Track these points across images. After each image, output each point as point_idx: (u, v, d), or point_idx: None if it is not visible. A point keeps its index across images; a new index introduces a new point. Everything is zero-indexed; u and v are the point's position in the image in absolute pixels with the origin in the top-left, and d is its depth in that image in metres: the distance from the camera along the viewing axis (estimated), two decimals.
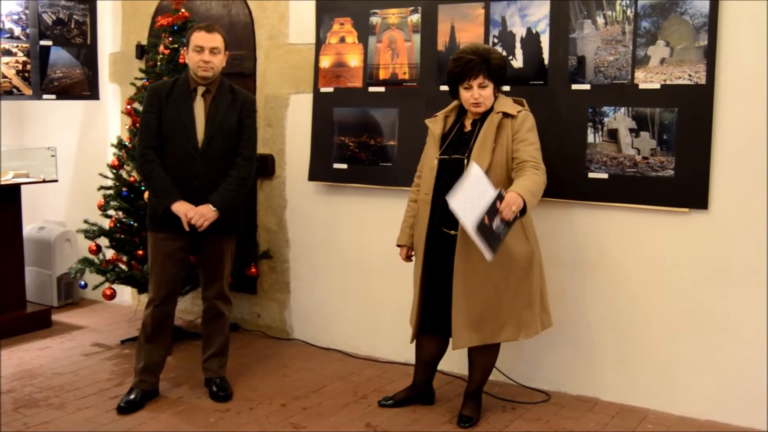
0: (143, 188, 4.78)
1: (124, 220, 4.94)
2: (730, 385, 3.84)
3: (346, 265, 4.97)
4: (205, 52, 3.93)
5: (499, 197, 3.36)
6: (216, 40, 3.97)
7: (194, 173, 3.96)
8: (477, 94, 3.68)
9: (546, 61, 4.15)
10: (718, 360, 3.86)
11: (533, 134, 3.69)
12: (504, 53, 4.12)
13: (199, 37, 3.95)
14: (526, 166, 3.58)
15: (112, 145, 5.19)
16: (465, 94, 3.73)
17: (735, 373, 3.82)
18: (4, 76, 5.30)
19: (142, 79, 5.06)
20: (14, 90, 5.35)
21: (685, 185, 3.83)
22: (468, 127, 3.81)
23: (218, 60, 3.98)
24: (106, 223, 4.99)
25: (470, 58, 3.67)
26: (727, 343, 3.84)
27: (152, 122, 4.00)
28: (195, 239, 4.01)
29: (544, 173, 3.63)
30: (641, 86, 3.91)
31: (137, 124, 4.77)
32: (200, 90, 4.02)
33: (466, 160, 3.67)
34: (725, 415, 3.85)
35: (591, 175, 4.05)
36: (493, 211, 3.34)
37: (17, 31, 5.35)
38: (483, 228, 3.33)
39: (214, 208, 3.93)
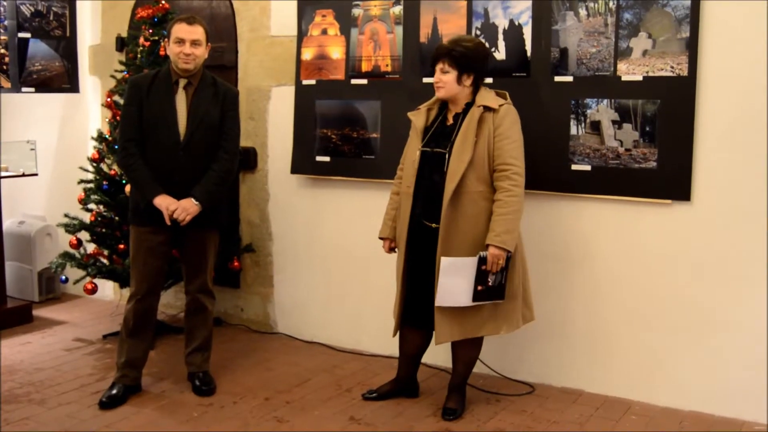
0: (124, 182, 4.74)
1: (104, 213, 4.90)
2: (713, 376, 3.85)
3: (329, 259, 4.95)
4: (185, 45, 3.88)
5: (482, 261, 3.59)
6: (197, 32, 3.93)
7: (176, 166, 3.93)
8: (437, 77, 3.75)
9: (528, 53, 4.14)
10: (702, 351, 3.88)
11: (515, 130, 3.69)
12: (487, 45, 4.10)
13: (179, 29, 3.91)
14: (501, 178, 3.63)
15: (93, 138, 5.15)
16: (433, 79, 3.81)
17: (719, 364, 3.84)
18: None
19: (122, 71, 5.01)
20: None
21: (668, 177, 3.84)
22: (450, 120, 3.81)
23: (200, 52, 3.94)
24: (87, 217, 4.95)
25: (441, 45, 3.82)
26: (710, 334, 3.85)
27: (133, 115, 3.96)
28: (177, 233, 3.98)
29: (522, 179, 3.65)
30: (624, 78, 3.91)
31: (118, 117, 4.73)
32: (182, 83, 3.98)
33: (447, 155, 3.68)
34: (709, 405, 3.87)
35: (574, 167, 4.05)
36: (481, 276, 3.61)
37: None
38: (481, 294, 3.64)
39: (196, 202, 3.89)
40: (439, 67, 3.73)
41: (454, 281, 3.63)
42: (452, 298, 3.65)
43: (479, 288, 3.63)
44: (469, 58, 3.72)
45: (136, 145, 3.95)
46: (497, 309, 3.72)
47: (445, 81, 3.73)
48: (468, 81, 3.75)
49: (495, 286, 3.65)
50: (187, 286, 4.19)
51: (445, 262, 3.61)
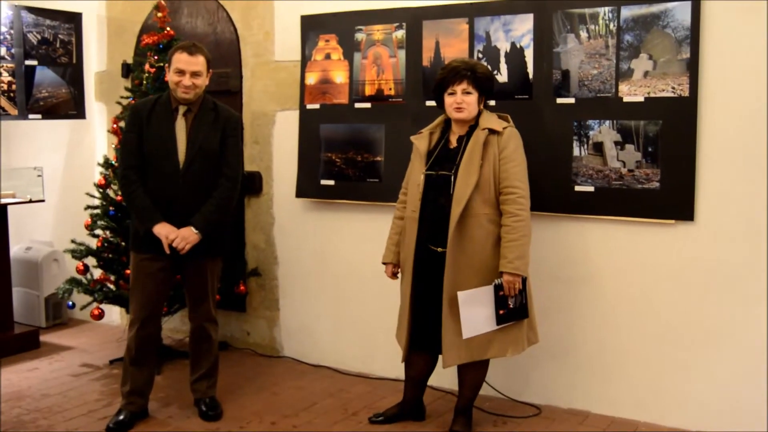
0: None
1: (111, 239, 4.92)
2: (720, 396, 3.84)
3: (335, 282, 4.96)
4: (185, 76, 3.86)
5: (498, 288, 3.65)
6: (198, 62, 3.89)
7: (175, 194, 3.90)
8: (460, 98, 3.71)
9: (530, 76, 4.17)
10: (708, 371, 3.87)
11: (519, 153, 3.70)
12: (489, 68, 4.12)
13: (180, 60, 3.87)
14: (508, 201, 3.64)
15: (99, 164, 5.18)
16: (448, 100, 3.76)
17: (725, 383, 3.83)
18: None
19: (128, 97, 5.05)
20: (0, 110, 5.33)
21: (671, 197, 3.85)
22: (453, 144, 3.82)
23: (200, 82, 3.91)
24: (94, 243, 4.97)
25: (457, 65, 3.76)
26: (717, 353, 3.84)
27: (133, 142, 3.94)
28: (178, 260, 3.95)
29: (527, 202, 3.67)
30: (625, 99, 3.93)
31: None
32: (182, 109, 3.95)
33: (453, 177, 3.68)
34: (716, 425, 3.85)
35: (577, 188, 4.06)
36: (501, 300, 3.66)
37: (2, 51, 5.33)
38: (504, 317, 3.68)
39: (195, 231, 3.86)
40: (461, 87, 3.70)
41: (475, 311, 3.65)
42: (477, 327, 3.67)
43: (501, 312, 3.66)
44: (489, 80, 3.79)
45: (136, 173, 3.92)
46: (503, 331, 3.72)
47: (469, 102, 3.72)
48: (482, 103, 3.78)
49: (517, 307, 3.67)
50: (190, 313, 4.17)
51: (463, 296, 3.63)
